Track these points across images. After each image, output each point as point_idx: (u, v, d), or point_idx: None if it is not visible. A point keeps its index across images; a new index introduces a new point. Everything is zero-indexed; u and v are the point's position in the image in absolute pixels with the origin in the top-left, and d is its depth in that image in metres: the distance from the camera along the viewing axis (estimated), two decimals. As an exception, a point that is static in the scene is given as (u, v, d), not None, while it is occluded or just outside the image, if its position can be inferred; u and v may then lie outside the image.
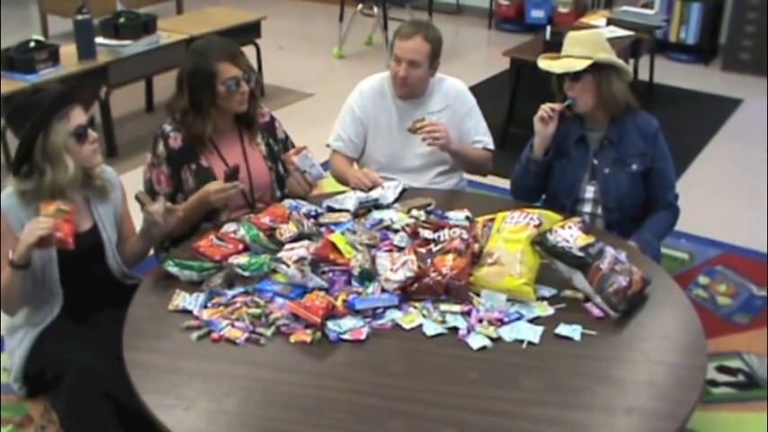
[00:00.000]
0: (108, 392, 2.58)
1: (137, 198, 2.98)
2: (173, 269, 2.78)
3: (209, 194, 3.07)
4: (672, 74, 7.47)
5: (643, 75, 6.83)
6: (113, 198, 3.01)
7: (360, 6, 8.28)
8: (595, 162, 3.33)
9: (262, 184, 3.36)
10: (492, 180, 4.24)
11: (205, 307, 2.63)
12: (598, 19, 6.44)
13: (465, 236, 2.79)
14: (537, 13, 8.71)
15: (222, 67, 3.15)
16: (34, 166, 2.75)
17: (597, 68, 3.21)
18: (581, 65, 3.20)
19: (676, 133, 5.87)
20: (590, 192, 3.35)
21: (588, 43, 3.29)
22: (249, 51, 6.55)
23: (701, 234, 4.60)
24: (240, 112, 3.26)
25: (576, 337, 2.50)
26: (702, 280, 4.20)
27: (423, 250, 2.79)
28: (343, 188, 3.53)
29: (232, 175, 3.07)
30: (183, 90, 3.20)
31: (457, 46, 8.56)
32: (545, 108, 3.28)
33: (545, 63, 3.32)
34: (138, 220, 3.11)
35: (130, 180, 3.31)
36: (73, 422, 2.65)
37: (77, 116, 2.78)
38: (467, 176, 3.94)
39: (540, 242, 2.71)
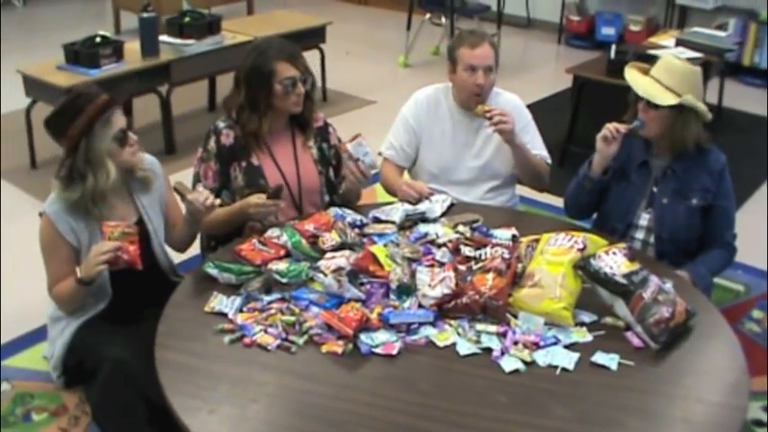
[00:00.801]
0: (139, 389, 2.60)
1: (175, 189, 3.00)
2: (212, 271, 2.79)
3: (249, 206, 3.06)
4: (743, 98, 7.31)
5: (711, 98, 6.69)
6: (157, 187, 3.04)
7: (428, 15, 8.27)
8: (655, 190, 3.26)
9: (311, 188, 3.36)
10: (547, 198, 4.19)
11: (240, 311, 2.63)
12: (668, 39, 6.32)
13: (507, 255, 2.74)
14: (607, 31, 8.60)
15: (280, 66, 3.18)
16: (75, 171, 2.78)
17: (679, 106, 3.14)
18: (665, 100, 3.13)
19: (741, 159, 5.73)
20: (644, 219, 3.28)
21: (682, 78, 3.18)
22: (313, 56, 6.62)
23: (759, 266, 4.47)
24: (295, 112, 3.27)
25: (613, 366, 2.43)
26: (757, 314, 4.08)
27: (463, 267, 2.75)
28: (391, 199, 3.51)
29: (275, 193, 3.07)
30: (241, 87, 3.23)
31: (525, 60, 8.51)
32: (610, 128, 3.21)
33: (632, 77, 3.24)
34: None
35: (187, 178, 3.32)
36: (103, 415, 2.69)
37: (119, 120, 2.81)
38: (520, 192, 3.89)
39: (583, 267, 2.65)
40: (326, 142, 3.45)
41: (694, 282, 3.06)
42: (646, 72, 3.27)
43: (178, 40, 5.66)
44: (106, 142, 2.77)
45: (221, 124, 3.28)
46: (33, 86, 5.31)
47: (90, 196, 2.79)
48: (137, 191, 2.98)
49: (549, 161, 3.71)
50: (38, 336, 3.33)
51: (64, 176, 2.82)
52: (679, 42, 6.12)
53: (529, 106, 3.80)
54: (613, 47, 5.56)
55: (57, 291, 2.89)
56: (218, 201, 2.99)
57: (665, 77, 3.18)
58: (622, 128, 3.21)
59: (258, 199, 3.06)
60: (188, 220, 3.05)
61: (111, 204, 2.87)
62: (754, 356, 3.59)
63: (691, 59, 5.69)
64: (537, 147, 3.68)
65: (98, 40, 5.30)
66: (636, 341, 2.54)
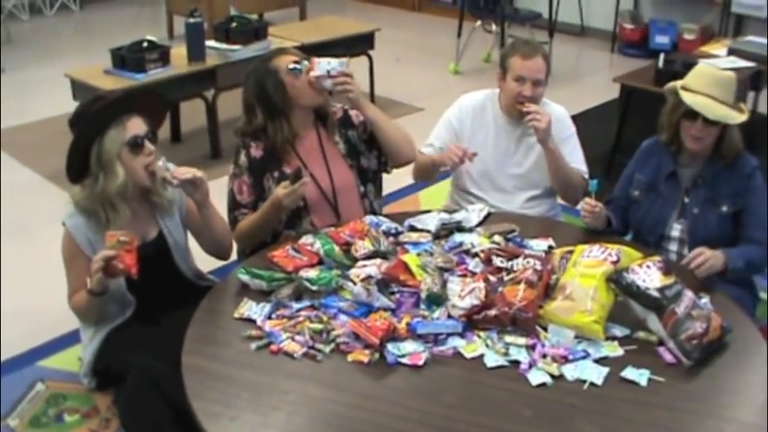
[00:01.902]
0: (166, 396, 2.61)
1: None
2: (244, 277, 2.80)
3: (280, 199, 3.06)
4: (797, 108, 7.15)
5: (763, 108, 6.56)
6: (177, 199, 3.04)
7: (479, 22, 8.23)
8: (686, 200, 3.21)
9: (344, 185, 3.36)
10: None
11: (269, 318, 2.63)
12: (719, 48, 6.21)
13: (539, 267, 2.71)
14: (661, 39, 8.48)
15: (279, 61, 3.26)
16: (90, 174, 2.81)
17: None
18: (738, 118, 3.08)
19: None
20: (677, 230, 3.23)
21: (732, 89, 3.13)
22: (362, 62, 6.62)
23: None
24: (314, 103, 3.30)
25: (643, 382, 2.39)
26: (804, 330, 3.97)
27: (494, 278, 2.73)
28: (429, 207, 3.49)
29: (296, 176, 3.05)
30: (255, 107, 3.27)
31: (578, 68, 8.44)
32: (585, 209, 3.16)
33: (692, 100, 3.11)
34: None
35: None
36: (130, 421, 2.70)
37: (135, 126, 2.82)
38: (561, 202, 3.85)
39: (616, 280, 2.61)
40: (352, 129, 3.45)
41: (726, 264, 2.98)
42: (685, 88, 3.16)
43: (224, 46, 5.70)
44: (117, 144, 2.78)
45: (248, 138, 3.30)
46: (80, 90, 5.38)
47: (99, 199, 2.80)
48: (157, 207, 2.99)
49: (587, 176, 3.65)
50: (75, 337, 3.36)
51: (75, 174, 2.84)
52: (731, 51, 6.01)
53: (579, 115, 3.77)
54: (662, 56, 5.48)
55: (74, 301, 2.92)
56: (199, 172, 2.92)
57: (716, 92, 3.10)
58: (593, 202, 3.14)
59: (285, 188, 3.04)
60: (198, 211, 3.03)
61: (130, 216, 2.87)
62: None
63: (742, 68, 5.62)
64: (575, 160, 3.64)
65: (145, 44, 5.37)
66: (668, 357, 2.49)
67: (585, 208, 3.16)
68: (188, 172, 2.87)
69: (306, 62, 3.26)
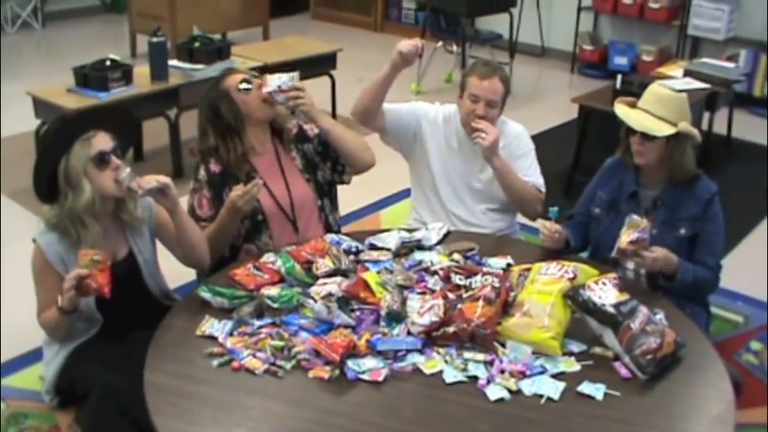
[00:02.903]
0: (129, 414, 2.61)
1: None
2: (205, 295, 2.82)
3: (234, 202, 3.09)
4: (753, 129, 7.27)
5: (720, 128, 6.69)
6: (146, 218, 3.05)
7: (440, 43, 8.31)
8: None
9: (302, 200, 3.41)
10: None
11: (231, 335, 2.65)
12: (676, 69, 6.33)
13: (496, 284, 2.76)
14: (620, 60, 8.60)
15: (229, 80, 3.34)
16: (60, 192, 2.82)
17: (675, 134, 3.17)
18: (664, 131, 3.16)
19: (748, 189, 5.77)
20: (636, 249, 3.28)
21: (674, 107, 3.22)
22: (324, 82, 6.66)
23: (760, 297, 4.45)
24: (267, 116, 3.36)
25: (599, 396, 2.44)
26: (755, 345, 4.05)
27: (453, 296, 2.77)
28: (389, 226, 3.53)
29: (248, 178, 3.08)
30: (207, 127, 3.33)
31: (538, 89, 8.52)
32: (545, 234, 3.22)
33: (623, 112, 3.26)
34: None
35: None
36: (93, 440, 2.69)
37: (101, 142, 2.83)
38: (520, 220, 3.90)
39: (573, 296, 2.66)
40: (307, 142, 3.49)
41: (677, 271, 3.09)
42: (633, 105, 3.29)
43: (187, 65, 5.71)
44: (83, 160, 2.80)
45: (207, 155, 3.34)
46: (43, 108, 5.36)
47: (68, 217, 2.81)
48: (127, 225, 3.00)
49: (543, 188, 3.70)
50: (36, 356, 3.34)
51: (44, 194, 2.85)
52: (687, 73, 6.13)
53: (538, 135, 3.82)
54: (619, 77, 5.58)
55: (43, 318, 2.91)
56: (164, 178, 2.91)
57: (655, 108, 3.21)
58: (553, 226, 3.21)
59: (239, 190, 3.08)
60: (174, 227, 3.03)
61: (101, 234, 2.88)
62: (751, 388, 3.58)
63: (697, 90, 5.74)
64: (531, 174, 3.69)
65: (108, 63, 5.36)
66: (624, 371, 2.55)
67: (545, 233, 3.22)
68: (153, 179, 2.87)
69: (256, 80, 3.33)
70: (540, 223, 3.28)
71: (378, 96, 3.61)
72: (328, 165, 3.52)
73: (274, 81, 3.29)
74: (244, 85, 3.29)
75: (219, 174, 3.31)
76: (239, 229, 3.30)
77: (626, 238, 2.96)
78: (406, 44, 3.50)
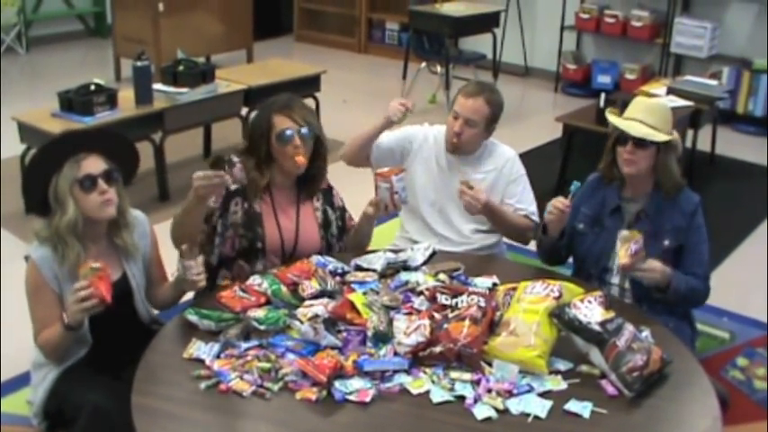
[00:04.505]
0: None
1: (178, 248, 2.96)
2: (192, 317, 2.81)
3: (194, 182, 2.96)
4: (736, 146, 7.34)
5: (704, 145, 6.73)
6: (141, 246, 3.06)
7: (424, 64, 8.35)
8: None
9: (309, 250, 3.29)
10: (534, 246, 4.20)
11: (218, 357, 2.65)
12: (659, 87, 6.39)
13: (482, 303, 2.77)
14: (603, 79, 8.67)
15: (277, 119, 3.19)
16: (51, 208, 2.85)
17: (665, 143, 3.21)
18: (661, 137, 3.19)
19: (733, 206, 5.80)
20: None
21: (663, 116, 3.27)
22: (309, 104, 6.66)
23: (746, 314, 4.47)
24: (295, 172, 3.24)
25: (586, 414, 2.44)
26: (741, 362, 4.07)
27: (439, 316, 2.77)
28: (375, 248, 3.54)
29: (216, 163, 2.95)
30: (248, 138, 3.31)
31: (522, 108, 8.55)
32: (553, 208, 3.25)
33: (616, 120, 3.29)
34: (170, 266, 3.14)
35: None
36: (82, 464, 2.68)
37: (90, 165, 2.84)
38: (507, 241, 3.92)
39: (559, 315, 2.67)
40: (331, 206, 3.44)
41: (670, 281, 3.12)
42: (620, 116, 3.32)
43: (172, 89, 5.72)
44: (69, 181, 2.82)
45: (235, 158, 3.26)
46: (28, 133, 5.36)
47: (55, 234, 2.83)
48: (121, 249, 3.01)
49: (536, 217, 3.72)
50: (23, 381, 3.34)
51: (35, 209, 2.88)
52: (670, 91, 6.19)
53: (523, 154, 3.85)
54: (603, 96, 5.62)
55: (43, 338, 2.88)
56: (204, 282, 2.95)
57: (645, 117, 3.24)
58: (565, 201, 3.24)
59: (201, 171, 2.94)
60: (174, 284, 3.07)
61: (83, 255, 2.86)
62: (738, 404, 3.59)
63: (680, 107, 5.78)
64: (524, 201, 3.72)
65: (92, 87, 5.37)
66: (610, 389, 2.55)
67: (556, 205, 3.23)
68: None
69: (303, 129, 3.18)
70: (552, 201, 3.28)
71: (366, 146, 3.71)
72: (341, 244, 3.48)
73: (401, 183, 3.25)
74: (288, 132, 3.16)
75: (235, 189, 3.23)
76: (233, 242, 3.25)
77: (624, 253, 2.99)
78: (395, 109, 3.56)
